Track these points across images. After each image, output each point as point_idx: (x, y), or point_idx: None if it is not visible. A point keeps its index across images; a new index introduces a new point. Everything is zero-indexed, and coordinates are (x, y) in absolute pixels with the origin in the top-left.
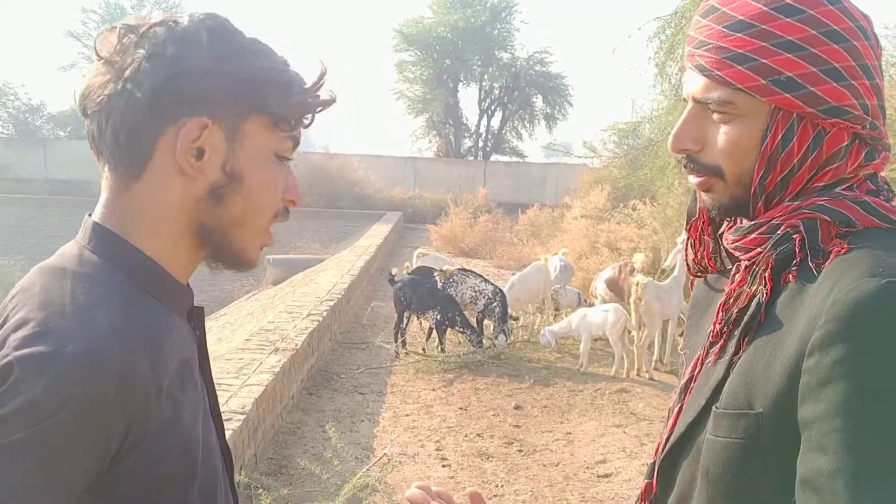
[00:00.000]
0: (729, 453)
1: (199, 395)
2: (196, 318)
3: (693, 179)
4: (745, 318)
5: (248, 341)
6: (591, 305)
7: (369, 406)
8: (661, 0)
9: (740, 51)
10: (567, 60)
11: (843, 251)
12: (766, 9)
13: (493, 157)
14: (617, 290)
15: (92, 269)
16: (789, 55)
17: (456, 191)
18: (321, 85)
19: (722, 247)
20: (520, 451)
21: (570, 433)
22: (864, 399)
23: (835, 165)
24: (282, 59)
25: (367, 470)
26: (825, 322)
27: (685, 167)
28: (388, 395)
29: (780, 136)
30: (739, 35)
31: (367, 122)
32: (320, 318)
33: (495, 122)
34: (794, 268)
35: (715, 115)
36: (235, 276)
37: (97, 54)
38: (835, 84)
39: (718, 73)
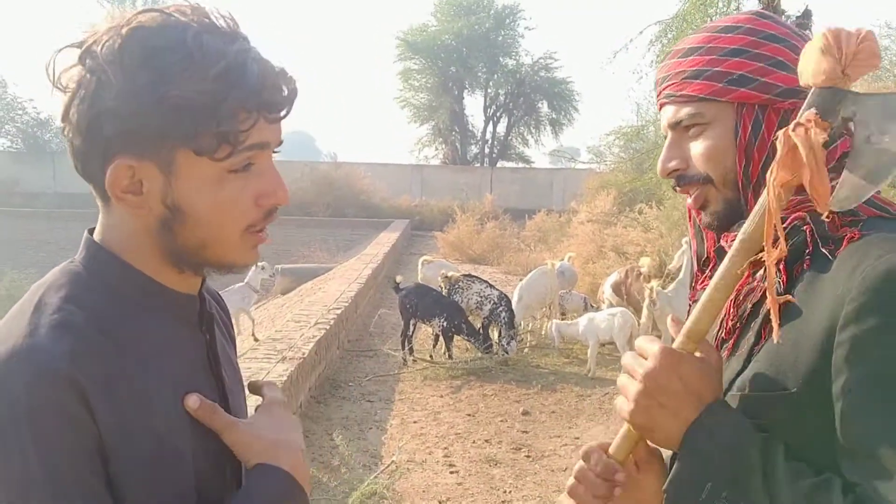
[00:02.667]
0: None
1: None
2: (207, 323)
3: (689, 199)
4: (766, 310)
5: (256, 350)
6: (598, 310)
7: (377, 414)
8: (663, 4)
9: (695, 68)
10: (572, 65)
11: (856, 237)
12: (708, 34)
13: (500, 164)
14: (622, 294)
15: (68, 278)
16: (736, 58)
17: (463, 198)
18: (268, 86)
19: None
20: (528, 456)
21: (578, 438)
22: None
23: None
24: (217, 70)
25: (375, 477)
26: (857, 295)
27: (678, 187)
28: (396, 402)
29: (749, 128)
30: (691, 58)
31: (372, 130)
32: (328, 327)
33: (501, 128)
34: (807, 257)
35: (690, 132)
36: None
37: (48, 77)
38: (782, 72)
39: (682, 92)
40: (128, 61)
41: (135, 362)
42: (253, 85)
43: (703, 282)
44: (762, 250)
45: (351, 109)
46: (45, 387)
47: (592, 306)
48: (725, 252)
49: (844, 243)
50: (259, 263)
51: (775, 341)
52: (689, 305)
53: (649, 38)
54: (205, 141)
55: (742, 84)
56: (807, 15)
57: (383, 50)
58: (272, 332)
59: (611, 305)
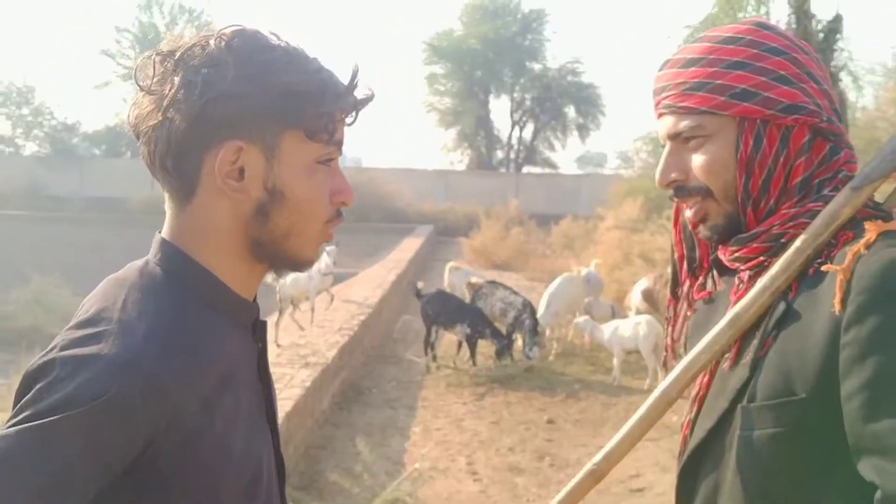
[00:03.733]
0: (775, 444)
1: (244, 405)
2: (259, 332)
3: (688, 213)
4: (774, 317)
5: (279, 356)
6: (625, 317)
7: (400, 420)
8: (690, 8)
9: (697, 80)
10: (599, 70)
11: (849, 238)
12: (709, 44)
13: (526, 169)
14: (653, 301)
15: (150, 279)
16: (739, 71)
17: (488, 203)
18: (355, 84)
19: (703, 280)
20: (552, 465)
21: (602, 447)
22: None
23: (803, 158)
24: (314, 67)
25: (398, 484)
26: (855, 296)
27: (676, 198)
28: (419, 409)
29: (751, 143)
30: (692, 69)
31: (397, 135)
32: (351, 333)
33: (527, 133)
34: (811, 266)
35: (690, 144)
36: (267, 291)
37: (138, 85)
38: (785, 87)
39: (683, 104)
40: (236, 56)
41: (212, 372)
42: (343, 84)
43: (695, 289)
44: (760, 262)
45: (376, 114)
46: (124, 392)
47: (620, 313)
48: (723, 264)
49: (839, 244)
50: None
51: None
52: (669, 311)
53: (678, 44)
54: (310, 122)
55: (745, 99)
56: (838, 19)
57: (410, 54)
58: (295, 337)
59: (639, 312)
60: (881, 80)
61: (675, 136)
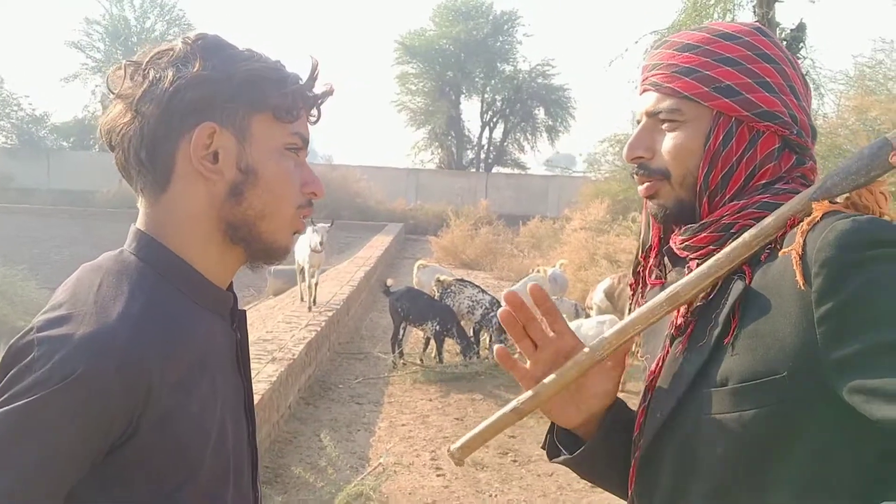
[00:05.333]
0: (758, 423)
1: (220, 392)
2: (238, 320)
3: (641, 187)
4: (731, 300)
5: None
6: (588, 316)
7: (366, 416)
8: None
9: (687, 65)
10: (569, 73)
11: (796, 222)
12: (708, 35)
13: (495, 169)
14: (614, 300)
15: (125, 266)
16: (728, 68)
17: (457, 202)
18: (315, 78)
19: (655, 261)
20: (514, 461)
21: None
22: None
23: (771, 164)
24: (275, 61)
25: (362, 479)
26: (819, 269)
27: (637, 174)
28: (385, 405)
29: (721, 137)
30: (686, 54)
31: (369, 133)
32: (318, 329)
33: (497, 134)
34: (763, 252)
35: (664, 125)
36: (237, 286)
37: (111, 92)
38: (767, 94)
39: (669, 84)
40: (201, 52)
41: (186, 354)
42: (300, 78)
43: (647, 270)
44: (710, 251)
45: (347, 112)
46: (99, 369)
47: (584, 313)
48: (672, 251)
49: (787, 227)
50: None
51: None
52: (632, 291)
53: (645, 48)
54: (276, 103)
55: (727, 95)
56: (801, 28)
57: (381, 53)
58: (263, 332)
59: (600, 311)
60: (843, 88)
61: (652, 114)
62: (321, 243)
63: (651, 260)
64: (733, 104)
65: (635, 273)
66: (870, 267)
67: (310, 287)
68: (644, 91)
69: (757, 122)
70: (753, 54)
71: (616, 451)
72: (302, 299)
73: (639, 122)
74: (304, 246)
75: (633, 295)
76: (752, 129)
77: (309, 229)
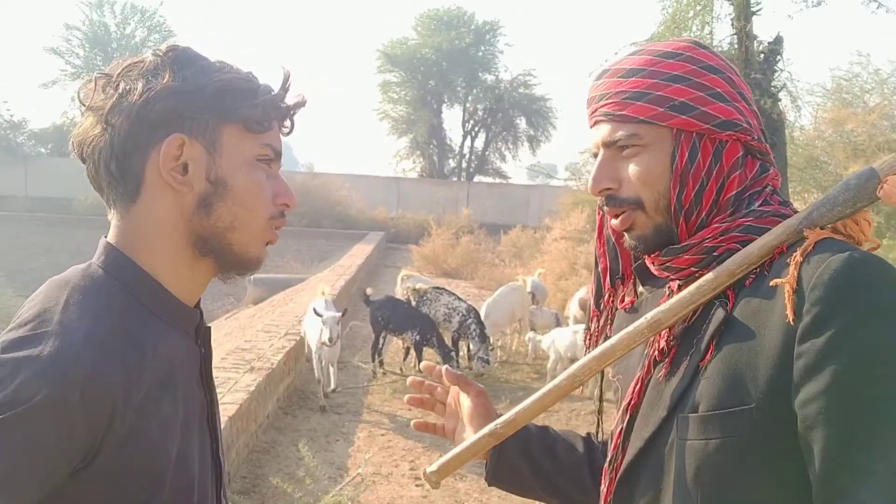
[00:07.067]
0: (723, 452)
1: (181, 410)
2: (203, 337)
3: (615, 221)
4: (713, 326)
5: (224, 360)
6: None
7: (345, 426)
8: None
9: (636, 90)
10: (551, 83)
11: (784, 249)
12: (649, 57)
13: (477, 178)
14: (587, 311)
15: (92, 282)
16: (678, 85)
17: (439, 211)
18: (287, 88)
19: (627, 289)
20: None
21: None
22: (867, 369)
23: (737, 173)
24: (246, 72)
25: (340, 489)
26: (810, 307)
27: (606, 206)
28: (364, 414)
29: (686, 154)
30: (633, 79)
31: (351, 141)
32: (298, 338)
33: (479, 143)
34: (749, 277)
35: (625, 153)
36: (216, 295)
37: (82, 104)
38: (721, 104)
39: (622, 112)
40: (172, 63)
41: (150, 375)
42: (272, 89)
43: (621, 300)
44: (692, 273)
45: (329, 120)
46: (63, 392)
47: (563, 322)
48: (648, 271)
49: (775, 256)
50: None
51: None
52: (592, 323)
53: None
54: (246, 113)
55: (683, 111)
56: (778, 41)
57: (364, 61)
58: (241, 341)
59: (576, 321)
60: (820, 100)
61: (610, 144)
62: (331, 339)
63: (624, 289)
64: (692, 119)
65: (597, 304)
66: (860, 313)
67: (325, 374)
68: (595, 123)
69: (718, 132)
70: (699, 68)
71: (517, 466)
72: (318, 381)
73: (595, 155)
74: (314, 331)
75: (594, 320)
76: (714, 141)
77: (318, 320)
